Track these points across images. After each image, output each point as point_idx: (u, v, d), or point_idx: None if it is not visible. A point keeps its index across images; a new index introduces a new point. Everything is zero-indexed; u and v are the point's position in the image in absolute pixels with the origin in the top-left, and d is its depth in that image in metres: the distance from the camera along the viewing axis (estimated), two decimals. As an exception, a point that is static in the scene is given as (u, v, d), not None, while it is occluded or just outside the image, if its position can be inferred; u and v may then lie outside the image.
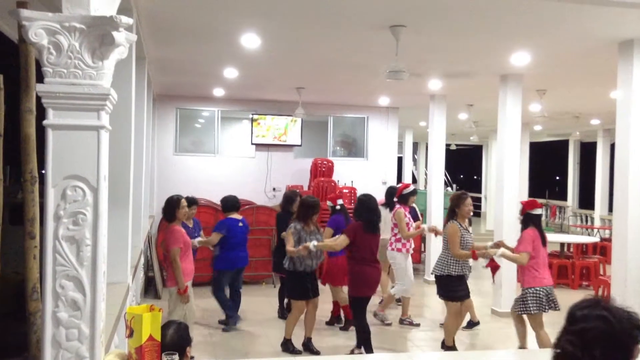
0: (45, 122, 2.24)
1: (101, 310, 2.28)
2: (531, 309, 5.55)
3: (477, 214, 20.68)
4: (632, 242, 6.08)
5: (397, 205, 7.49)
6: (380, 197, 9.14)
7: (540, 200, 20.54)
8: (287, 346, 6.20)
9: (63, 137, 2.24)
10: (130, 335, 2.31)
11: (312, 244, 5.85)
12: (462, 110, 12.62)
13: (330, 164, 12.21)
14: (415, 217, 7.92)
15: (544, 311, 5.57)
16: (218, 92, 11.18)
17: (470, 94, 10.69)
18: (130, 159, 4.71)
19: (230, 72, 8.80)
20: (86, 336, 2.24)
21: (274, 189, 12.25)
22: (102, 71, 2.27)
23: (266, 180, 12.32)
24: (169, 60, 8.10)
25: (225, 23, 5.96)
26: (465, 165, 29.42)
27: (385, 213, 7.66)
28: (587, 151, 18.15)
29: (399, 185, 8.22)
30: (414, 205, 7.96)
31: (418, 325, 7.42)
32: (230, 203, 7.13)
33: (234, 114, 13.01)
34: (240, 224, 7.07)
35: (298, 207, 6.32)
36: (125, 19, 2.23)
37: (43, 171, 2.31)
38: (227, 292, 7.15)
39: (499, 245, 5.94)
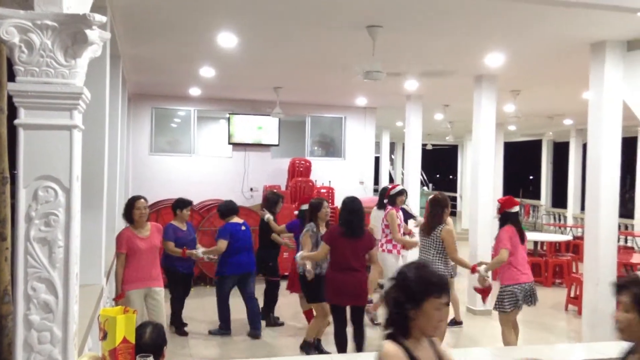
0: (16, 121, 2.20)
1: (74, 312, 2.25)
2: (506, 307, 5.50)
3: (453, 213, 20.90)
4: (603, 241, 6.20)
5: (389, 207, 7.25)
6: (361, 197, 9.18)
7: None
8: (308, 348, 6.02)
9: (35, 137, 2.20)
10: (104, 337, 2.28)
11: (298, 255, 5.79)
12: (438, 110, 12.73)
13: (308, 163, 12.20)
14: (407, 218, 7.80)
15: (519, 308, 5.57)
16: (194, 91, 11.09)
17: (446, 95, 10.79)
18: (104, 159, 4.65)
19: (207, 71, 8.75)
20: (59, 339, 2.21)
21: (251, 189, 12.21)
22: (75, 70, 2.24)
23: (243, 181, 12.27)
24: (144, 59, 8.02)
25: (201, 21, 5.92)
26: (441, 165, 29.66)
27: (378, 214, 7.60)
28: (560, 151, 18.44)
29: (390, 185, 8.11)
30: (405, 205, 7.79)
31: None
32: (229, 208, 6.89)
33: (210, 114, 12.95)
34: (243, 228, 6.79)
35: (309, 210, 6.12)
36: (99, 17, 2.20)
37: (15, 171, 2.26)
38: (238, 299, 6.89)
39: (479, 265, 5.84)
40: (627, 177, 16.68)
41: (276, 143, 12.39)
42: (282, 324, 7.29)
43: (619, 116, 6.20)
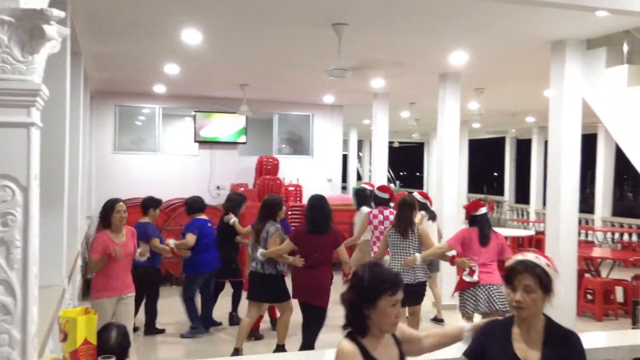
0: (-29, 118, 2.14)
1: (33, 314, 2.20)
2: (467, 309, 5.41)
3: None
4: (564, 235, 6.34)
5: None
6: (329, 194, 9.21)
7: (478, 196, 21.15)
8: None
9: (-9, 135, 2.14)
10: (65, 339, 2.24)
11: (259, 252, 5.73)
12: (404, 108, 12.86)
13: (275, 161, 12.17)
14: None
15: (480, 312, 5.35)
16: (159, 88, 10.94)
17: (412, 93, 10.91)
18: (65, 158, 4.55)
19: (171, 68, 8.63)
20: (17, 341, 2.15)
21: (218, 188, 12.10)
22: (32, 66, 2.18)
23: (210, 179, 12.17)
24: (106, 56, 7.87)
25: (164, 18, 5.84)
26: (408, 162, 29.96)
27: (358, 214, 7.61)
28: (523, 148, 18.83)
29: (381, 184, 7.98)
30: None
31: None
32: (197, 203, 6.82)
33: (176, 111, 12.79)
34: (210, 224, 6.75)
35: (267, 208, 5.97)
36: (57, 12, 2.15)
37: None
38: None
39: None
40: (587, 173, 17.15)
41: (244, 141, 12.32)
42: (218, 324, 7.25)
43: (579, 113, 6.35)
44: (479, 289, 5.31)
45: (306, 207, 5.86)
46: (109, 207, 5.00)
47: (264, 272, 5.80)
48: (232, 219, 6.99)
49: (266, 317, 6.92)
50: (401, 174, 31.26)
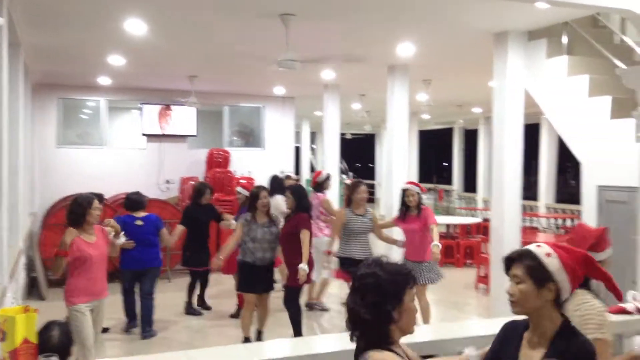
0: None
1: (-32, 314, 2.12)
2: None
3: (372, 199, 21.39)
4: (508, 222, 6.52)
5: (319, 194, 7.64)
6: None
7: (427, 185, 21.53)
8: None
9: None
10: (3, 338, 2.17)
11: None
12: (355, 100, 12.95)
13: (226, 154, 12.07)
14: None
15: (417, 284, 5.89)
16: (104, 80, 10.64)
17: (362, 84, 10.99)
18: (3, 152, 4.38)
19: (116, 60, 8.41)
20: (-48, 342, 2.08)
21: (167, 182, 11.89)
22: (-39, 56, 2.09)
23: (159, 173, 11.95)
24: (47, 47, 7.60)
25: (107, 7, 5.68)
26: (361, 154, 30.22)
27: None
28: (470, 138, 19.28)
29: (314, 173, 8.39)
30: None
31: (327, 310, 7.62)
32: (134, 200, 6.59)
33: (122, 104, 12.49)
34: (139, 222, 6.47)
35: (249, 198, 6.10)
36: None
37: None
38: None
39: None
40: (532, 162, 17.72)
41: (193, 134, 12.14)
42: (209, 308, 7.57)
43: (521, 104, 6.51)
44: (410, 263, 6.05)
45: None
46: (86, 204, 4.52)
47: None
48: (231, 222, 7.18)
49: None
50: (357, 165, 31.57)
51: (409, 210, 6.23)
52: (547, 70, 6.26)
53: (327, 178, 7.80)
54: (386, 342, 2.00)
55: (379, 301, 1.96)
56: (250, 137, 13.32)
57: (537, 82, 6.42)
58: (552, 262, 2.09)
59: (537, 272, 2.10)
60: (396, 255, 6.37)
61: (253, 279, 5.83)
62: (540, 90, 6.40)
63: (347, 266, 5.93)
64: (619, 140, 5.24)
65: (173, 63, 8.98)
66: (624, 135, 5.13)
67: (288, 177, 8.26)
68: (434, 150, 24.44)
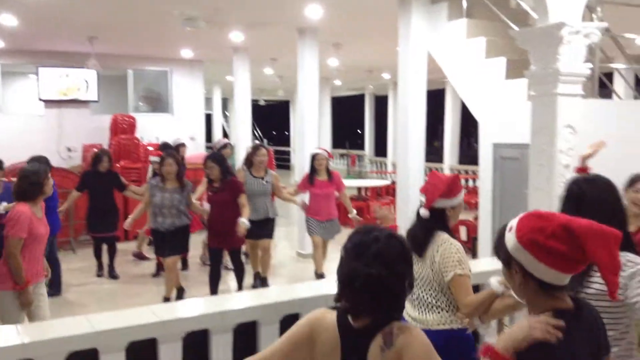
0: None
1: None
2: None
3: (288, 166, 21.46)
4: (412, 183, 6.67)
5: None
6: (192, 154, 9.06)
7: (340, 151, 21.81)
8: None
9: None
10: None
11: None
12: (267, 64, 12.80)
13: (132, 120, 11.63)
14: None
15: (318, 234, 6.73)
16: (-6, 41, 9.87)
17: (273, 48, 10.86)
18: None
19: (8, 19, 7.82)
20: None
21: (69, 149, 11.31)
22: None
23: (59, 140, 11.32)
24: None
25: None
26: (277, 121, 30.11)
27: None
28: (381, 104, 19.69)
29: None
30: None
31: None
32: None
33: (17, 68, 11.66)
34: None
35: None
36: None
37: None
38: None
39: None
40: (438, 127, 18.41)
41: (95, 99, 11.56)
42: (116, 277, 7.37)
43: (424, 66, 6.66)
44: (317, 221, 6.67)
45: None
46: (43, 175, 4.06)
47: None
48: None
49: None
50: (272, 133, 31.40)
51: (317, 174, 6.54)
52: (448, 33, 6.40)
53: (224, 146, 7.88)
54: (400, 315, 1.75)
55: (406, 272, 1.72)
56: (157, 103, 12.89)
57: (439, 45, 6.55)
58: (509, 237, 1.60)
59: (499, 249, 1.66)
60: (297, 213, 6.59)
61: (159, 244, 5.97)
62: (442, 53, 6.56)
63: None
64: (513, 100, 5.53)
65: (70, 23, 8.45)
66: (517, 94, 5.42)
67: (225, 146, 8.10)
68: (347, 117, 24.77)
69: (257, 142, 7.58)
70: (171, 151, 6.68)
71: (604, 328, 1.69)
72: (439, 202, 2.76)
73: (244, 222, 5.63)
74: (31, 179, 4.02)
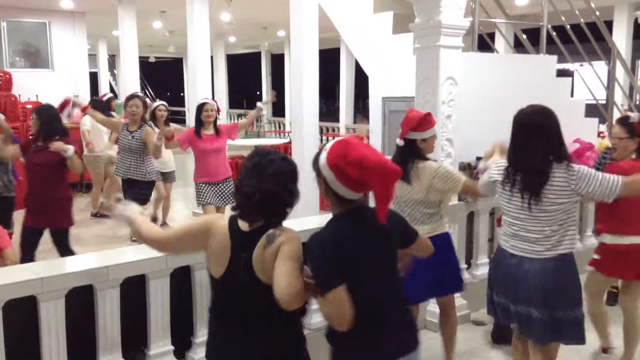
0: None
1: None
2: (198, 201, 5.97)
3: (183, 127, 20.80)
4: (307, 141, 6.57)
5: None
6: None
7: (238, 111, 21.47)
8: None
9: None
10: None
11: None
12: (156, 18, 12.17)
13: (7, 76, 10.80)
14: None
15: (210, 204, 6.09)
16: None
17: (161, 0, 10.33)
18: None
19: None
20: None
21: None
22: None
23: None
24: None
25: None
26: (169, 80, 28.93)
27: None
28: (278, 62, 19.48)
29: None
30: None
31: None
32: None
33: None
34: None
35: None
36: None
37: None
38: None
39: None
40: (337, 87, 18.56)
41: (-37, 52, 10.51)
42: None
43: (315, 19, 6.41)
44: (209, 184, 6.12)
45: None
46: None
47: None
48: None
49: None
50: (164, 93, 30.14)
51: (204, 128, 5.67)
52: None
53: (109, 100, 8.15)
54: (281, 222, 2.10)
55: (294, 187, 2.08)
56: (35, 58, 11.93)
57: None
58: (322, 156, 1.99)
59: (314, 163, 2.04)
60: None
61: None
62: (333, 6, 6.51)
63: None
64: (400, 54, 5.65)
65: None
66: (404, 49, 5.54)
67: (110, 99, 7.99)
68: (244, 77, 24.30)
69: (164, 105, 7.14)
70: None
71: (402, 224, 2.23)
72: (410, 134, 3.29)
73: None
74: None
